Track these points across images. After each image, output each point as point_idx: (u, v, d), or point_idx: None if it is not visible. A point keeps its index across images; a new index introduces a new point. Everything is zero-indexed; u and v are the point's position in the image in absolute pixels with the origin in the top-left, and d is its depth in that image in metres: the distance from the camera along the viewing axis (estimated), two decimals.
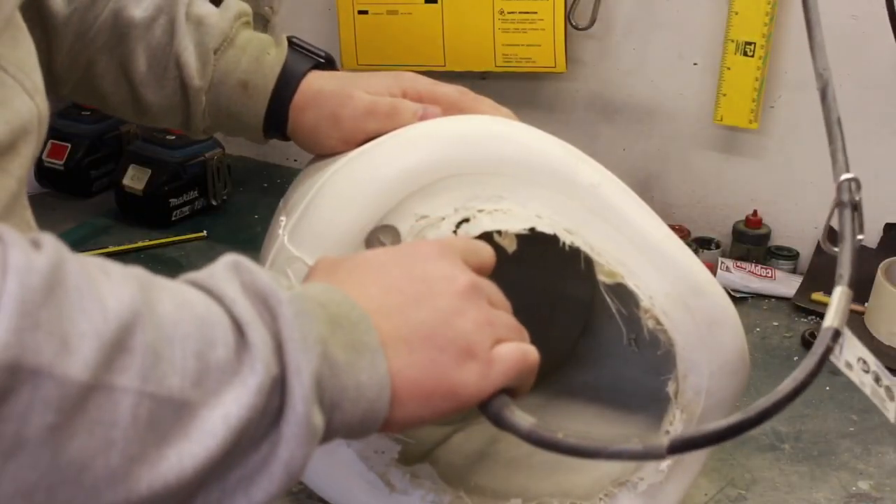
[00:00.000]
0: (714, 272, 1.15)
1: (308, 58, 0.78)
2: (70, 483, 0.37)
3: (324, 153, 0.75)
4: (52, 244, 0.40)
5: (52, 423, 0.36)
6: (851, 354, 0.56)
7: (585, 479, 0.74)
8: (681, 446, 0.52)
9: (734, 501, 0.81)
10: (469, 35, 1.22)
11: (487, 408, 0.54)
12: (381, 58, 1.28)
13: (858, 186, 0.59)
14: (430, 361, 0.51)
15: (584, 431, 0.53)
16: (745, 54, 1.13)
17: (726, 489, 0.83)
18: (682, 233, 1.23)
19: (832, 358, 0.53)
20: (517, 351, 0.54)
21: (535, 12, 1.19)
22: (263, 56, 0.76)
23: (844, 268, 0.55)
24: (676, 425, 0.69)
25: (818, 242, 1.17)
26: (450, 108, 0.73)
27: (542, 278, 0.83)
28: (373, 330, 0.49)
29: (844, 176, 0.59)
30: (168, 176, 1.23)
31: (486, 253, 0.59)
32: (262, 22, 1.43)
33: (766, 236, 1.21)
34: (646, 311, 0.66)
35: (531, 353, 0.56)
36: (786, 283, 1.14)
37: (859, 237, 0.58)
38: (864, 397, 0.95)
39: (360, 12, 1.26)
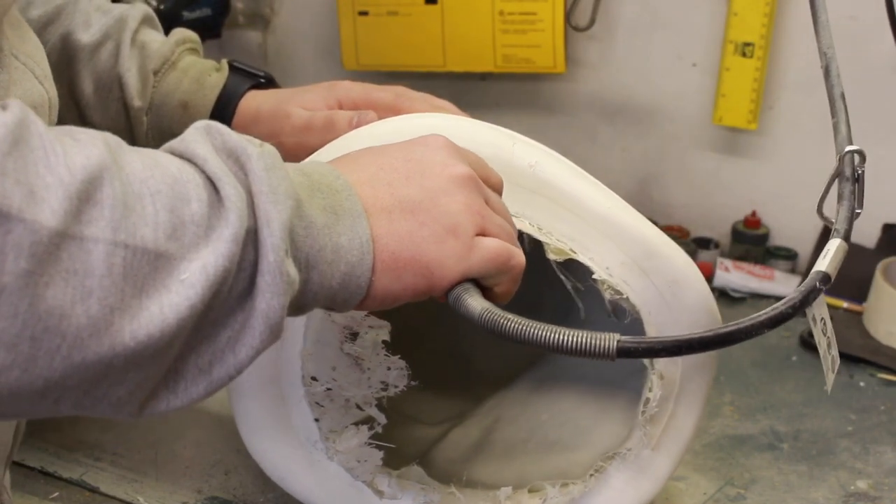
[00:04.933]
0: (713, 272, 1.15)
1: (248, 78, 0.80)
2: (52, 332, 0.38)
3: None
4: (18, 106, 0.40)
5: (26, 270, 0.37)
6: (819, 312, 0.56)
7: (581, 457, 0.74)
8: (633, 351, 0.50)
9: (733, 500, 0.82)
10: (469, 36, 1.23)
11: (449, 291, 0.53)
12: (382, 58, 1.28)
13: (863, 159, 0.59)
14: (407, 234, 0.51)
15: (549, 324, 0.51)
16: (744, 55, 1.13)
17: (725, 488, 0.83)
18: (681, 233, 1.23)
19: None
20: (502, 247, 0.54)
21: (535, 13, 1.19)
22: (204, 78, 0.79)
23: (841, 224, 0.56)
24: (656, 391, 0.68)
25: (816, 242, 1.18)
26: (386, 112, 0.74)
27: (530, 266, 0.83)
28: (356, 197, 0.50)
29: (848, 148, 0.60)
30: None
31: (494, 173, 0.58)
32: (262, 23, 1.43)
33: (765, 236, 1.21)
34: (602, 282, 0.66)
35: (517, 255, 0.55)
36: (784, 283, 1.15)
37: (858, 210, 0.58)
38: (862, 396, 0.97)
39: (361, 13, 1.26)
